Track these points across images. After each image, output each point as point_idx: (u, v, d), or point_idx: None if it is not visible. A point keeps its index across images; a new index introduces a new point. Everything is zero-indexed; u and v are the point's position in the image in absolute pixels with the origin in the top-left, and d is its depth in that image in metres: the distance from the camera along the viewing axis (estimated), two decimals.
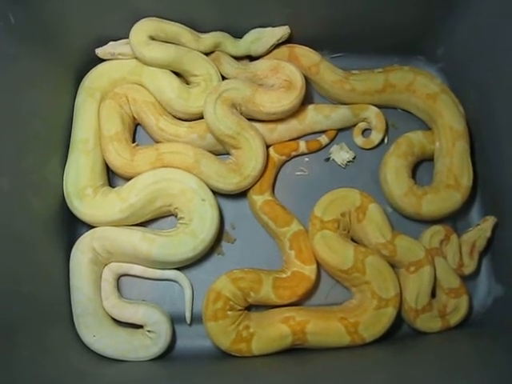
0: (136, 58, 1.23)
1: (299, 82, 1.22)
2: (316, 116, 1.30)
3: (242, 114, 1.22)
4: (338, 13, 1.26)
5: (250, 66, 1.28)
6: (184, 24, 1.24)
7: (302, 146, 1.30)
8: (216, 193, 1.22)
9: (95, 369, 1.09)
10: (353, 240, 1.23)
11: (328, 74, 1.30)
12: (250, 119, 1.23)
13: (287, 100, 1.21)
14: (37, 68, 1.14)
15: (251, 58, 1.32)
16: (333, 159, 1.33)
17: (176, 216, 1.22)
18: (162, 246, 1.15)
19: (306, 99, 1.27)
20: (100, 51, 1.24)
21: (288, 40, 1.31)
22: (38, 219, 1.11)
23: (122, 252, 1.16)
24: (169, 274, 1.21)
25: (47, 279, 1.12)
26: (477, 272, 1.25)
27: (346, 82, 1.29)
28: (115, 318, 1.17)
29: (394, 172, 1.25)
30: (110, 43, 1.25)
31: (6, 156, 1.03)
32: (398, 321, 1.18)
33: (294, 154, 1.31)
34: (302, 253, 1.19)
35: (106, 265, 1.19)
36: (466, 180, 1.23)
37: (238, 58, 1.31)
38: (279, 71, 1.24)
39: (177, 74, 1.27)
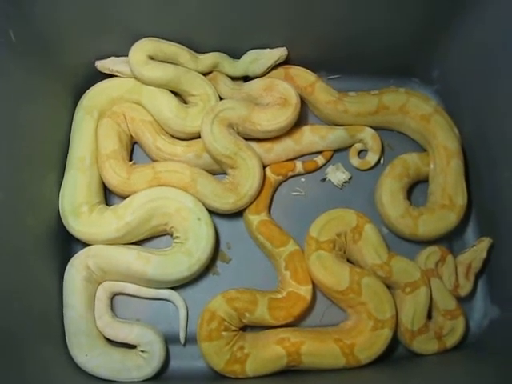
0: (134, 77, 1.25)
1: (294, 98, 1.23)
2: (312, 137, 1.30)
3: (239, 133, 1.23)
4: (335, 35, 1.28)
5: (244, 87, 1.29)
6: (183, 44, 1.25)
7: (299, 166, 1.31)
8: (212, 212, 1.21)
9: None
10: (348, 261, 1.22)
11: (322, 94, 1.31)
12: (247, 139, 1.24)
13: (283, 117, 1.21)
14: (35, 84, 1.15)
15: (247, 79, 1.33)
16: (329, 180, 1.33)
17: (171, 235, 1.22)
18: (158, 265, 1.14)
19: (302, 120, 1.29)
20: (99, 64, 1.26)
21: (286, 61, 1.32)
22: (32, 235, 1.11)
23: (116, 270, 1.15)
24: (163, 294, 1.20)
25: (40, 296, 1.10)
26: (473, 293, 1.25)
27: (340, 102, 1.30)
28: (108, 337, 1.15)
29: (389, 194, 1.25)
30: (112, 58, 1.26)
31: (1, 170, 1.03)
32: (394, 342, 1.17)
33: (290, 174, 1.31)
34: (298, 273, 1.18)
35: (100, 283, 1.18)
36: (461, 199, 1.23)
37: (234, 79, 1.32)
38: (273, 89, 1.25)
39: (175, 93, 1.28)
